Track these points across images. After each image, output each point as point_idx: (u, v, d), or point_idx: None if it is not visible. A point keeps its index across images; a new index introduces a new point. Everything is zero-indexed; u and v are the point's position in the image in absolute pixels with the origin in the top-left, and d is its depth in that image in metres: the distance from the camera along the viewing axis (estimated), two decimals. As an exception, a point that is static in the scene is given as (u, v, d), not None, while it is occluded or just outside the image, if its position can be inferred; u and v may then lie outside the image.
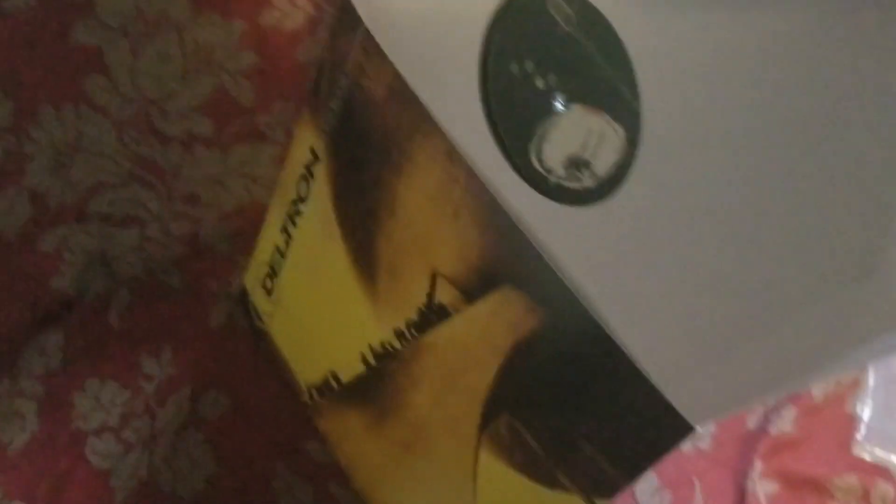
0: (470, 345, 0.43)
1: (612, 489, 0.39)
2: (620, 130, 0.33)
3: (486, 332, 0.42)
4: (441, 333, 0.45)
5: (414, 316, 0.46)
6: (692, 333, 0.33)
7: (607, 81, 0.32)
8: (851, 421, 0.67)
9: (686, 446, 0.61)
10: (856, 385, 0.68)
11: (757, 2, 0.27)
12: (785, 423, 0.65)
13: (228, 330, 0.64)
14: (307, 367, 0.59)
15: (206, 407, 0.63)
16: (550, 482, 0.42)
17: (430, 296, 0.45)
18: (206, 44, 0.52)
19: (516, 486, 0.44)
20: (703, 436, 0.63)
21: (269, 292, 0.60)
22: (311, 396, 0.59)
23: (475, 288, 0.42)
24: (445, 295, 0.44)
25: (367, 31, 0.43)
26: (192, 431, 0.62)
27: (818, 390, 0.67)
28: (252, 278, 0.62)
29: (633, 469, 0.37)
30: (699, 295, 0.32)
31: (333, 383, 0.56)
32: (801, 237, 0.28)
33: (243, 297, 0.64)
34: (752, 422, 0.65)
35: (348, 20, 0.45)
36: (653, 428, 0.35)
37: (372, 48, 0.43)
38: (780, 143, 0.28)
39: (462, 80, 0.38)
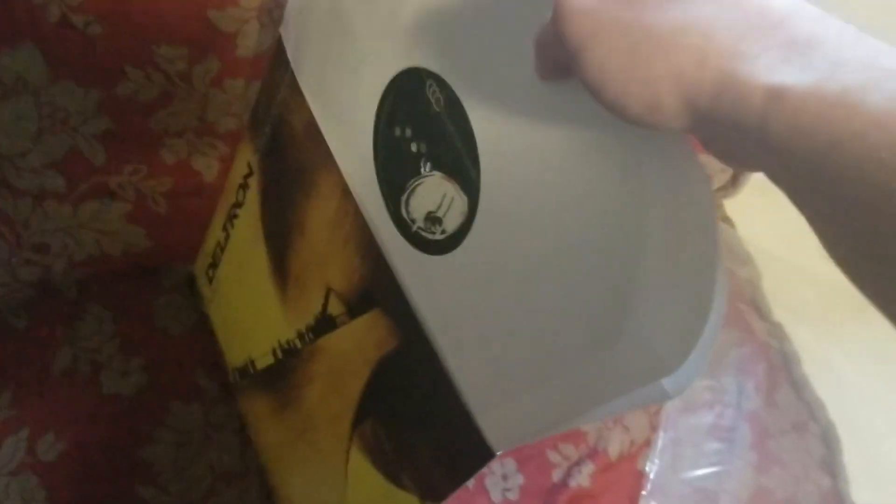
0: (349, 354, 0.50)
1: (440, 495, 0.45)
2: (465, 199, 0.39)
3: (360, 345, 0.49)
4: (330, 340, 0.52)
5: (312, 321, 0.53)
6: (498, 372, 0.40)
7: (460, 159, 0.39)
8: (640, 477, 0.74)
9: (498, 497, 0.67)
10: (646, 445, 0.75)
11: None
12: (583, 477, 0.71)
13: (70, 375, 0.66)
14: (233, 351, 0.66)
15: (43, 450, 0.64)
16: (398, 482, 0.48)
17: (324, 307, 0.51)
18: (62, 107, 0.55)
19: (375, 483, 0.50)
20: (512, 488, 0.69)
21: (210, 280, 0.67)
22: (234, 378, 0.66)
23: (356, 306, 0.48)
24: (335, 308, 0.50)
25: (293, 73, 0.50)
26: (28, 473, 0.63)
27: (614, 449, 0.73)
28: (199, 266, 0.69)
29: (454, 479, 0.44)
30: (505, 340, 0.39)
31: (250, 369, 0.62)
32: (566, 308, 0.35)
33: (191, 283, 0.71)
34: (556, 475, 0.71)
35: (281, 60, 0.51)
36: (464, 446, 0.42)
37: (295, 87, 0.50)
38: (557, 245, 0.35)
39: (360, 132, 0.45)
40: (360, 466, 0.51)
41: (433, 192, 0.41)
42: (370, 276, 0.47)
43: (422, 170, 0.41)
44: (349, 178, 0.47)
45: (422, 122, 0.41)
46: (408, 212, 0.43)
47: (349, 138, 0.46)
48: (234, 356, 0.66)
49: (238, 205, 0.60)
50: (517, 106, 0.36)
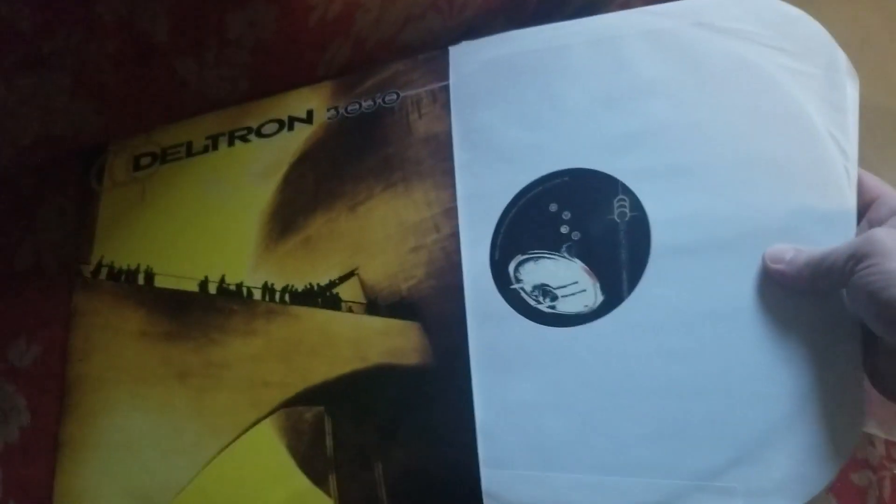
0: (335, 341, 0.49)
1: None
2: (599, 297, 0.44)
3: (362, 341, 0.49)
4: (315, 316, 0.50)
5: (298, 286, 0.51)
6: (528, 441, 0.44)
7: (617, 267, 0.44)
8: None
9: None
10: None
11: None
12: None
13: (35, 273, 0.60)
14: (121, 250, 0.58)
15: (16, 356, 0.58)
16: (318, 480, 0.47)
17: (333, 283, 0.50)
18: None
19: (278, 466, 0.48)
20: None
21: (138, 167, 0.60)
22: (96, 273, 0.58)
23: (383, 307, 0.49)
24: (349, 293, 0.50)
25: (448, 90, 0.52)
26: (2, 381, 0.57)
27: None
28: (128, 145, 0.61)
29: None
30: (558, 419, 0.43)
31: (141, 278, 0.56)
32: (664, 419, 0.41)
33: (95, 151, 0.62)
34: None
35: (435, 68, 0.53)
36: (455, 487, 0.44)
37: (442, 101, 0.52)
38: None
39: (505, 178, 0.48)
40: (265, 444, 0.49)
41: (562, 273, 0.46)
42: (429, 294, 0.48)
43: (562, 251, 0.46)
44: (463, 203, 0.49)
45: (589, 217, 0.46)
46: (517, 271, 0.46)
47: (487, 175, 0.49)
48: (119, 255, 0.58)
49: (258, 133, 0.57)
50: (720, 279, 0.43)
